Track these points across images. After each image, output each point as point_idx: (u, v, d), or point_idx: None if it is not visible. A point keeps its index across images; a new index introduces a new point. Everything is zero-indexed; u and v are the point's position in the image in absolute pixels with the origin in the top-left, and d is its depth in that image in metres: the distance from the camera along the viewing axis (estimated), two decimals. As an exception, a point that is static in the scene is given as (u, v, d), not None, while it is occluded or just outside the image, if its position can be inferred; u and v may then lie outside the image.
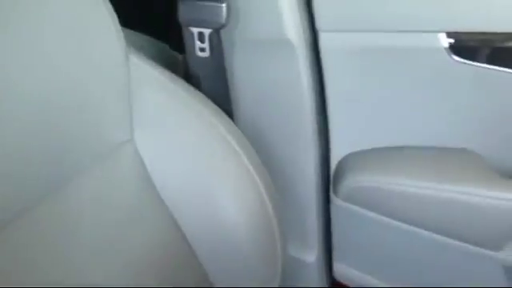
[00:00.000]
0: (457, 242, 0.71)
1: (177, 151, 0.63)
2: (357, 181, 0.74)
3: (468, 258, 0.72)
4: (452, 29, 0.63)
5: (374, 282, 0.84)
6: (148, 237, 0.61)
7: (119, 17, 0.58)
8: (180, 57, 0.79)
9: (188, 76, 0.74)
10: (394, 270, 0.82)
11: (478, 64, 0.65)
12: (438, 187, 0.69)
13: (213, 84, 0.70)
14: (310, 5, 0.66)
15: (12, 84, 0.49)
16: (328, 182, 0.79)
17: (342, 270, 0.86)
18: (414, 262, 0.79)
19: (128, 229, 0.60)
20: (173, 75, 0.65)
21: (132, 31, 0.72)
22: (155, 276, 0.60)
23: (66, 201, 0.52)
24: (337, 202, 0.78)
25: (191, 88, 0.66)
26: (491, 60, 0.65)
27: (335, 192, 0.77)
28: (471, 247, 0.70)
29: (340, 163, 0.77)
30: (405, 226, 0.74)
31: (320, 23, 0.67)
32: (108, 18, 0.57)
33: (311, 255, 0.85)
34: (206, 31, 0.64)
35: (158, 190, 0.62)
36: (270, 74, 0.71)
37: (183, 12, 0.64)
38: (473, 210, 0.67)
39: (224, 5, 0.62)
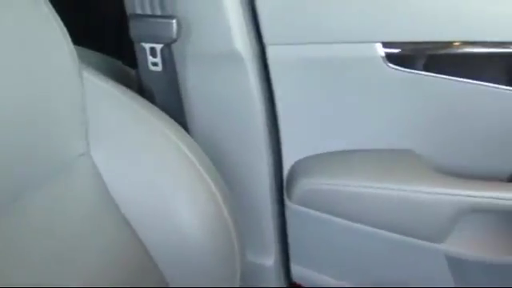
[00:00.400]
0: (404, 238, 0.76)
1: (132, 162, 0.65)
2: (308, 184, 0.78)
3: (415, 251, 0.77)
4: (387, 39, 0.68)
5: (331, 281, 0.88)
6: (106, 246, 0.62)
7: (70, 35, 0.60)
8: (133, 72, 0.81)
9: (141, 90, 0.76)
10: (349, 269, 0.86)
11: (412, 71, 0.70)
12: (384, 186, 0.74)
13: (166, 97, 0.72)
14: (257, 19, 0.70)
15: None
16: (282, 187, 0.82)
17: (299, 271, 0.89)
18: (367, 259, 0.83)
19: (86, 238, 0.61)
20: (126, 89, 0.67)
21: (83, 48, 0.74)
22: (114, 282, 0.61)
23: (23, 212, 0.53)
24: (291, 205, 0.81)
25: (144, 101, 0.68)
26: (424, 67, 0.70)
27: (289, 196, 0.80)
28: (417, 241, 0.75)
29: (292, 168, 0.80)
30: (355, 225, 0.78)
31: (267, 37, 0.71)
32: (59, 34, 0.58)
33: (269, 259, 0.88)
34: (158, 46, 0.67)
35: (116, 200, 0.63)
36: (222, 86, 0.74)
37: (134, 28, 0.67)
38: (416, 206, 0.72)
39: (174, 21, 0.65)
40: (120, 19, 0.75)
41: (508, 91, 0.68)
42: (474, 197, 0.70)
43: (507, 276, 0.77)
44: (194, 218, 0.66)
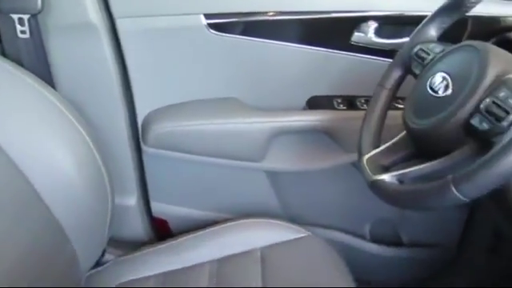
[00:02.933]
0: (234, 162, 1.01)
1: (12, 118, 0.78)
2: (158, 129, 0.98)
3: (243, 172, 1.03)
4: (207, 11, 0.92)
5: (187, 211, 1.10)
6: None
7: None
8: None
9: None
10: (197, 197, 1.08)
11: (230, 35, 0.95)
12: (215, 122, 0.98)
13: (35, 62, 0.86)
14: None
15: None
16: (138, 136, 1.02)
17: (159, 207, 1.10)
18: (210, 186, 1.07)
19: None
20: (-2, 56, 0.80)
21: None
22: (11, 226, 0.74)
23: None
24: (147, 149, 1.01)
25: (16, 65, 0.82)
26: (239, 32, 0.95)
27: (144, 141, 1.00)
28: (244, 163, 1.01)
29: (145, 119, 1.00)
30: (198, 158, 1.01)
31: (115, 11, 0.90)
32: None
33: (131, 200, 1.07)
34: (25, 16, 0.81)
35: (8, 154, 0.76)
36: (81, 52, 0.91)
37: (3, 2, 0.80)
38: (239, 135, 0.98)
39: (39, -6, 0.81)
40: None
41: (298, 48, 0.96)
42: (280, 122, 0.97)
43: (311, 182, 1.07)
44: (74, 169, 0.82)
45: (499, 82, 0.53)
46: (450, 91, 0.59)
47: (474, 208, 1.06)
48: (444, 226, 1.10)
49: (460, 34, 0.88)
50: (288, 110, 1.00)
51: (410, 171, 0.60)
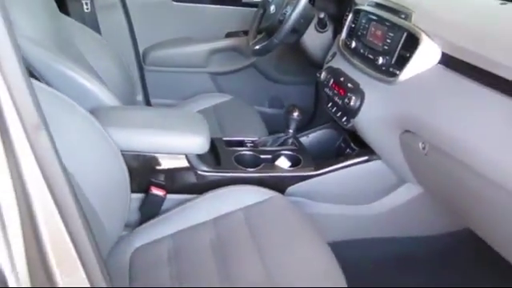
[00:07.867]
0: (193, 68, 1.97)
1: (87, 44, 1.69)
2: (152, 55, 1.93)
3: (197, 74, 1.99)
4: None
5: (170, 101, 2.02)
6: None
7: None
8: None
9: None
10: (177, 91, 2.02)
11: (182, 3, 1.91)
12: (182, 48, 1.94)
13: (91, 23, 1.77)
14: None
15: None
16: (140, 60, 1.95)
17: (154, 101, 2.03)
18: (182, 83, 2.02)
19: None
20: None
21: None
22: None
23: None
24: (146, 67, 1.95)
25: (79, 23, 1.73)
26: (187, 1, 1.91)
27: (144, 62, 1.95)
28: (198, 69, 1.97)
29: (144, 51, 1.95)
30: (174, 69, 1.96)
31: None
32: None
33: (139, 96, 2.00)
34: (88, 0, 1.72)
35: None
36: (110, 16, 1.83)
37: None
38: (194, 53, 1.94)
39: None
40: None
41: (217, 7, 1.93)
42: (214, 45, 1.95)
43: (234, 77, 2.03)
44: (116, 71, 1.73)
45: (287, 4, 1.53)
46: (274, 10, 1.57)
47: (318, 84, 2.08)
48: (305, 97, 2.11)
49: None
50: (216, 39, 1.97)
51: (265, 43, 1.59)
